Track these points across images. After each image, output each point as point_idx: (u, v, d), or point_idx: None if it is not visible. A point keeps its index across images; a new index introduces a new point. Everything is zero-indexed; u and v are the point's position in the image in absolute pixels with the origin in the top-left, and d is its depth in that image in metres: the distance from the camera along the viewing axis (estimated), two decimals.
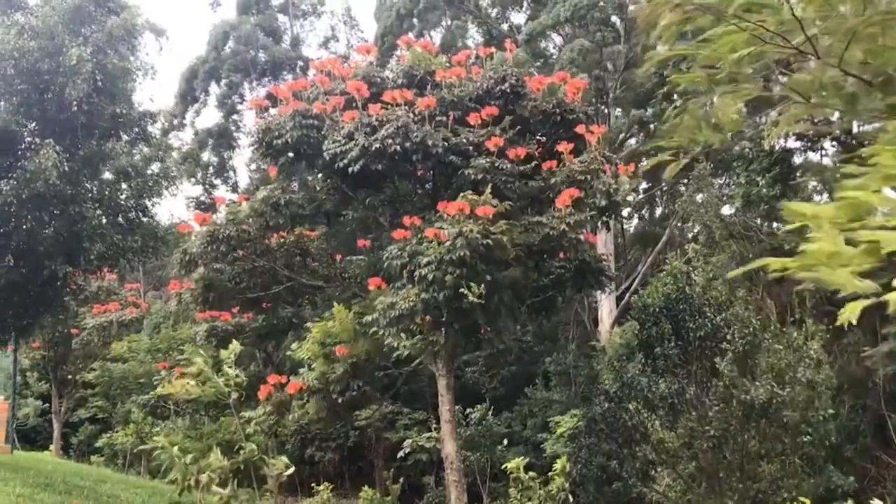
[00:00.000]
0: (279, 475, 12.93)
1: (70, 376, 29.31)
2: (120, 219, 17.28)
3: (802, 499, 7.88)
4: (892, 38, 2.76)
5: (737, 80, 3.19)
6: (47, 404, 33.35)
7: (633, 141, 31.78)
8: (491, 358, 26.55)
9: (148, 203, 17.65)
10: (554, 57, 30.64)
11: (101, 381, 28.48)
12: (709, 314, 14.55)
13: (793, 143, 22.87)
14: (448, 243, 12.45)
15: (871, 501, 7.21)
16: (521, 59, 23.35)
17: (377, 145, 13.78)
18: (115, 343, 28.19)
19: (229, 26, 45.37)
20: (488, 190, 13.01)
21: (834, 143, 22.79)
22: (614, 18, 28.25)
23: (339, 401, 15.39)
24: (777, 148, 21.24)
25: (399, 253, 13.29)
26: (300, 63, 44.35)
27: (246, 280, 17.53)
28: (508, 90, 15.11)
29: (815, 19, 2.92)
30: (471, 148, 14.35)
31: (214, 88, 45.90)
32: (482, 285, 12.37)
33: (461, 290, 12.38)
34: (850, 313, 2.37)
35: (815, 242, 2.23)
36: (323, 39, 47.84)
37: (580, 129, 14.60)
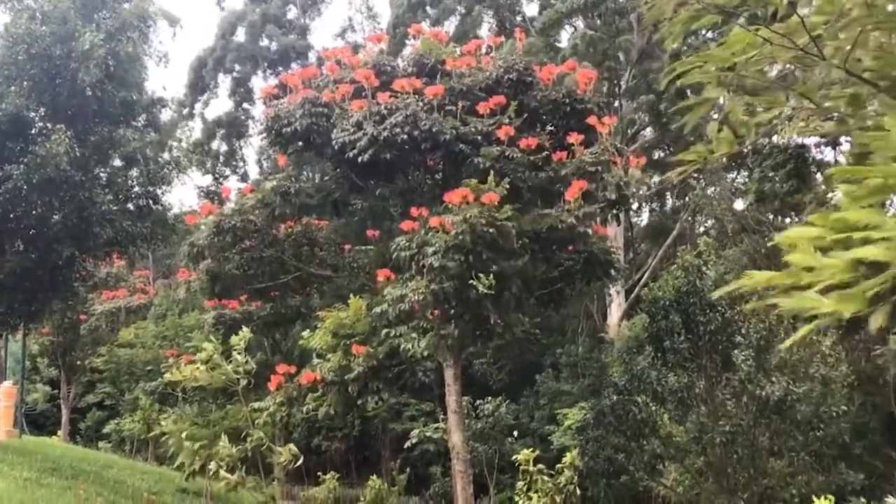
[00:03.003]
0: (287, 464, 12.96)
1: (78, 362, 29.40)
2: (130, 206, 17.26)
3: (827, 496, 7.81)
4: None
5: (746, 80, 3.19)
6: (56, 390, 33.48)
7: (646, 133, 31.61)
8: (498, 349, 26.52)
9: (158, 191, 17.63)
10: (563, 50, 30.47)
11: (109, 367, 28.55)
12: (720, 308, 14.44)
13: (808, 140, 22.68)
14: (453, 231, 12.36)
15: (887, 498, 7.14)
16: (535, 48, 23.20)
17: (386, 134, 13.70)
18: (122, 329, 28.25)
19: (237, 16, 45.38)
20: (491, 176, 12.88)
21: (849, 139, 22.58)
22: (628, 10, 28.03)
23: (359, 401, 15.38)
24: (791, 144, 21.06)
25: (407, 244, 13.20)
26: (311, 53, 44.32)
27: (254, 269, 17.54)
28: (517, 79, 14.99)
29: (822, 23, 2.92)
30: (480, 137, 14.24)
31: (223, 78, 46.02)
32: (490, 276, 12.27)
33: (469, 280, 12.29)
34: (803, 334, 2.42)
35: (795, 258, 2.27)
36: (340, 30, 47.76)
37: (591, 119, 14.44)
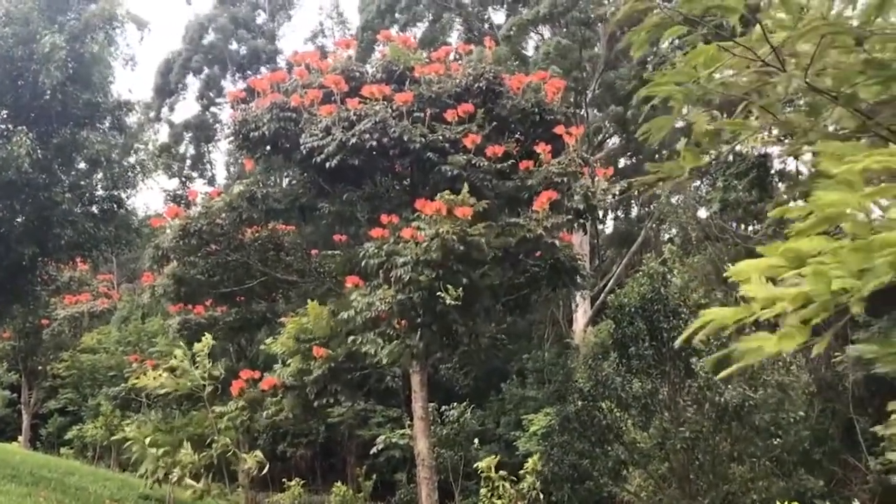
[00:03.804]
0: (252, 471, 12.89)
1: (40, 367, 28.94)
2: (94, 209, 17.03)
3: (787, 502, 7.94)
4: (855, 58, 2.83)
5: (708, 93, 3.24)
6: (16, 395, 32.87)
7: (612, 141, 31.89)
8: (464, 355, 26.56)
9: (122, 194, 17.42)
10: (533, 57, 30.64)
11: (72, 373, 28.13)
12: (684, 315, 14.63)
13: (770, 149, 23.00)
14: (424, 244, 12.38)
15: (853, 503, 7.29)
16: (502, 56, 23.33)
17: (354, 140, 13.71)
18: (85, 334, 27.86)
19: (206, 19, 45.08)
20: (465, 189, 12.91)
21: (811, 149, 22.90)
22: (594, 19, 28.25)
23: (315, 404, 15.29)
24: (753, 153, 21.35)
25: (376, 252, 13.20)
26: (279, 57, 44.18)
27: (219, 274, 17.42)
28: (486, 87, 15.06)
29: (784, 38, 2.98)
30: (448, 145, 14.28)
31: (192, 81, 45.62)
32: (460, 287, 12.30)
33: (438, 291, 12.31)
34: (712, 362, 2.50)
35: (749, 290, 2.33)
36: (311, 34, 47.60)
37: (559, 129, 14.55)
